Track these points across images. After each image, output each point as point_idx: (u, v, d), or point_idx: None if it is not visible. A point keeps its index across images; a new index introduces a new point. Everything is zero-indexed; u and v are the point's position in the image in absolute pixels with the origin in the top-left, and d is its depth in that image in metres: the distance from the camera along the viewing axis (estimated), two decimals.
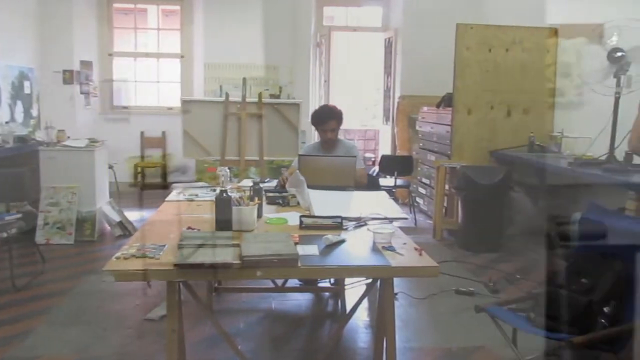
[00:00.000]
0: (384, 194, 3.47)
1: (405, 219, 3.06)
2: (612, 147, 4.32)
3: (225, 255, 2.16)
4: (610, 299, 2.75)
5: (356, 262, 2.26)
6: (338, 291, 3.96)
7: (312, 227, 2.69)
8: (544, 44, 5.77)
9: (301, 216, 2.79)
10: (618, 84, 4.25)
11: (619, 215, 3.28)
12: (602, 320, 2.70)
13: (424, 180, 6.79)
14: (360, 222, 2.78)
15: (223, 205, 2.58)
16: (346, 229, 2.69)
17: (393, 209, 3.13)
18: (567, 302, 2.78)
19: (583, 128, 5.13)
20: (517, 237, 5.60)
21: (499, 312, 2.85)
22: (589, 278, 2.85)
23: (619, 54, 4.18)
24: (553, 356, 3.02)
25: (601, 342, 2.57)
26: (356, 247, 2.43)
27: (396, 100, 7.85)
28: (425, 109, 6.90)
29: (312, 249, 2.33)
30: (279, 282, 3.81)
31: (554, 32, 5.74)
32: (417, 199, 6.96)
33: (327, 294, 4.11)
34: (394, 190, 6.57)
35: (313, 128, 4.30)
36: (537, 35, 5.76)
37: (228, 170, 3.79)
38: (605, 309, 2.72)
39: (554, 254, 3.67)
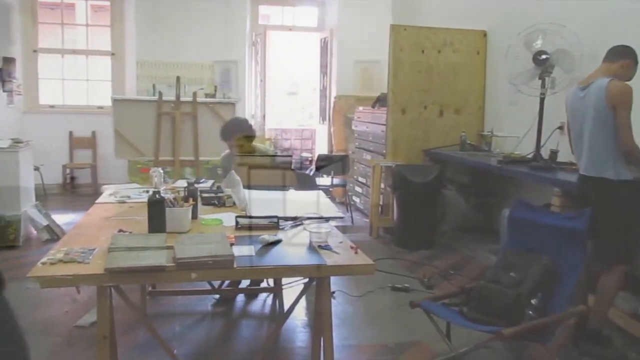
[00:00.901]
0: (320, 193, 3.48)
1: (342, 217, 3.08)
2: (538, 145, 4.50)
3: (158, 258, 2.10)
4: (537, 292, 2.87)
5: (292, 261, 2.26)
6: (276, 291, 3.94)
7: (248, 227, 2.67)
8: (474, 46, 5.95)
9: (237, 216, 2.76)
10: (543, 86, 4.44)
11: (545, 211, 3.42)
12: (530, 312, 2.81)
13: (360, 179, 6.87)
14: (296, 222, 2.77)
15: (156, 206, 2.51)
16: (282, 229, 2.67)
17: (329, 208, 3.15)
18: (497, 295, 2.88)
19: (511, 127, 5.33)
20: (450, 234, 5.75)
21: (433, 307, 2.92)
22: (517, 272, 2.96)
23: (544, 56, 4.37)
24: (485, 348, 3.12)
25: (529, 333, 2.67)
26: (292, 247, 2.42)
27: (332, 99, 7.91)
28: (360, 108, 6.98)
29: (248, 250, 2.31)
30: (216, 283, 3.76)
31: (483, 34, 5.93)
32: (354, 198, 7.03)
33: (264, 294, 4.09)
34: (330, 189, 6.60)
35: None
36: (468, 38, 5.93)
37: (162, 171, 3.70)
38: (533, 301, 2.84)
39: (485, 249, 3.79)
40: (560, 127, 4.39)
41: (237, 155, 3.94)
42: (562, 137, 4.30)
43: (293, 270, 2.30)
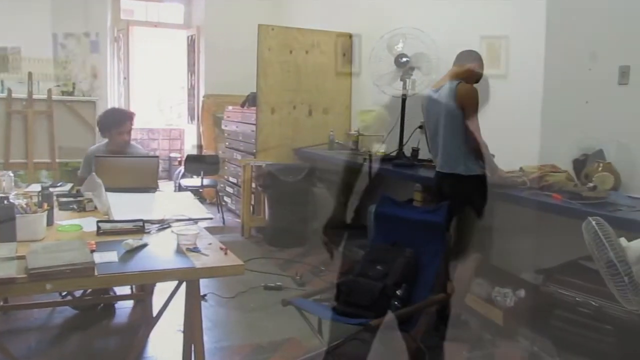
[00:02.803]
0: (188, 194, 3.39)
1: (210, 218, 3.03)
2: (400, 144, 4.74)
3: (7, 270, 1.93)
4: (401, 283, 3.00)
5: (159, 265, 2.17)
6: (144, 298, 3.77)
7: (110, 232, 2.53)
8: (341, 48, 6.12)
9: (98, 221, 2.61)
10: (404, 87, 4.67)
11: (408, 206, 3.60)
12: (396, 303, 2.94)
13: (231, 179, 6.80)
14: (163, 225, 2.68)
15: (4, 213, 2.30)
16: (148, 232, 2.57)
17: (198, 209, 3.08)
18: (365, 288, 2.98)
19: (377, 126, 5.54)
20: (321, 231, 5.86)
21: (304, 304, 2.95)
22: (383, 265, 3.08)
23: (404, 59, 4.60)
24: (355, 340, 3.22)
25: (395, 322, 2.79)
26: (159, 251, 2.34)
27: (201, 99, 7.75)
28: (230, 108, 6.91)
29: (110, 256, 2.18)
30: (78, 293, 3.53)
31: (349, 36, 6.12)
32: (225, 198, 6.95)
33: (132, 301, 3.90)
34: (200, 190, 6.47)
35: None
36: (334, 39, 6.09)
37: (12, 175, 3.40)
38: (398, 292, 2.97)
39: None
40: (421, 127, 4.63)
41: (120, 144, 3.75)
42: (423, 136, 4.55)
43: (159, 275, 2.21)
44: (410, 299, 2.98)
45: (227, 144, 6.97)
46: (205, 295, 3.93)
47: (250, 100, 6.35)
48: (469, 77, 3.36)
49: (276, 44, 5.85)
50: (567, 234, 2.81)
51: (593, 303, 2.89)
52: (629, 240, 2.06)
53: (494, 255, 3.92)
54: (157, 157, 3.72)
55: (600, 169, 3.25)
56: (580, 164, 3.43)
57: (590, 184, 3.12)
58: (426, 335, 3.35)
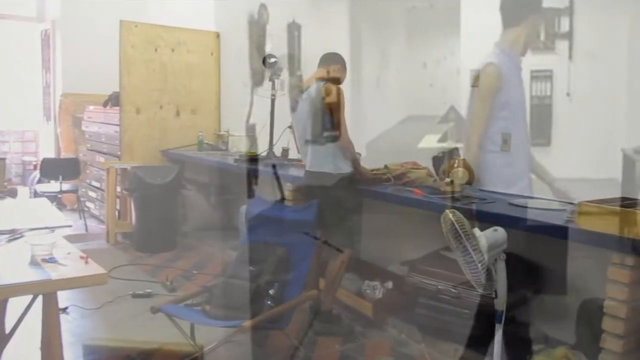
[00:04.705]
0: (44, 200, 3.15)
1: (69, 226, 2.84)
2: (271, 143, 4.75)
3: None
4: (274, 282, 3.02)
5: (8, 280, 1.98)
6: None
7: None
8: (208, 47, 6.02)
9: None
10: (273, 87, 4.69)
11: (279, 205, 3.62)
12: (269, 302, 2.95)
13: (94, 183, 6.44)
14: (15, 235, 2.46)
15: None
16: None
17: (55, 216, 2.87)
18: (237, 290, 2.96)
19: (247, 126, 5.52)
20: (191, 234, 5.73)
21: (174, 310, 2.87)
22: (255, 265, 3.08)
23: (273, 60, 4.61)
24: (230, 342, 3.19)
25: (268, 321, 2.80)
26: (9, 263, 2.14)
27: (58, 98, 7.24)
28: (91, 108, 6.56)
29: None
30: None
31: (216, 35, 6.04)
32: (88, 204, 6.56)
33: None
34: (60, 195, 6.06)
35: None
36: (201, 38, 5.97)
37: None
38: (271, 292, 2.98)
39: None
40: (290, 126, 4.69)
41: None
42: (292, 136, 4.60)
43: (9, 290, 2.01)
44: (283, 298, 3.00)
45: (88, 146, 6.59)
46: (66, 308, 3.69)
47: (113, 100, 6.05)
48: (333, 78, 3.45)
49: (140, 41, 5.62)
50: (428, 227, 2.98)
51: (453, 290, 3.10)
52: (482, 230, 2.23)
53: (363, 250, 4.06)
54: (4, 159, 3.41)
55: (456, 165, 3.48)
56: (438, 160, 3.66)
57: (448, 179, 3.33)
58: (301, 332, 3.41)
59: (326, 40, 4.39)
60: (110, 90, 6.18)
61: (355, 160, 3.48)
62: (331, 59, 3.52)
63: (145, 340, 3.32)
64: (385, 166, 3.74)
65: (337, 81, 3.47)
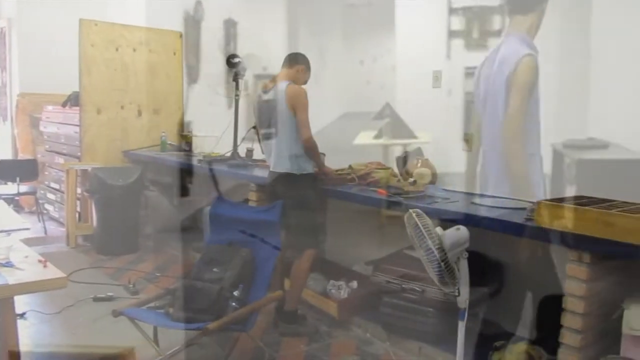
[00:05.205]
0: (0, 202, 3.07)
1: (27, 229, 2.77)
2: (235, 144, 4.72)
3: None
4: (238, 283, 3.01)
5: None
6: None
7: None
8: (171, 47, 5.94)
9: None
10: (237, 87, 4.66)
11: (243, 206, 3.61)
12: (234, 304, 2.93)
13: (52, 185, 6.29)
14: None
15: None
16: None
17: (11, 219, 2.80)
18: (201, 292, 2.93)
19: (211, 127, 5.47)
20: (154, 236, 5.65)
21: (136, 313, 2.83)
22: (219, 267, 3.06)
23: (236, 59, 4.59)
24: (194, 345, 3.15)
25: (233, 323, 2.78)
26: None
27: (15, 98, 7.05)
28: (49, 108, 6.40)
29: None
30: None
31: (179, 35, 5.96)
32: (47, 206, 6.40)
33: None
34: (17, 198, 5.90)
35: None
36: (164, 38, 5.89)
37: None
38: (235, 293, 2.97)
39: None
40: (255, 127, 4.67)
41: None
42: (256, 136, 4.58)
43: None
44: (247, 299, 2.99)
45: (47, 147, 6.44)
46: (24, 313, 3.59)
47: (73, 100, 5.92)
48: (297, 79, 3.46)
49: (100, 40, 5.51)
50: (392, 226, 3.01)
51: (417, 288, 3.14)
52: (445, 229, 2.26)
53: (328, 250, 4.07)
54: None
55: (419, 165, 3.53)
56: (402, 160, 3.70)
57: (411, 179, 3.37)
58: (265, 333, 3.41)
59: (263, 37, 4.39)
60: (69, 90, 6.04)
61: (319, 161, 3.48)
62: (295, 60, 3.51)
63: (107, 345, 3.27)
64: (350, 166, 3.77)
65: (300, 81, 3.47)
